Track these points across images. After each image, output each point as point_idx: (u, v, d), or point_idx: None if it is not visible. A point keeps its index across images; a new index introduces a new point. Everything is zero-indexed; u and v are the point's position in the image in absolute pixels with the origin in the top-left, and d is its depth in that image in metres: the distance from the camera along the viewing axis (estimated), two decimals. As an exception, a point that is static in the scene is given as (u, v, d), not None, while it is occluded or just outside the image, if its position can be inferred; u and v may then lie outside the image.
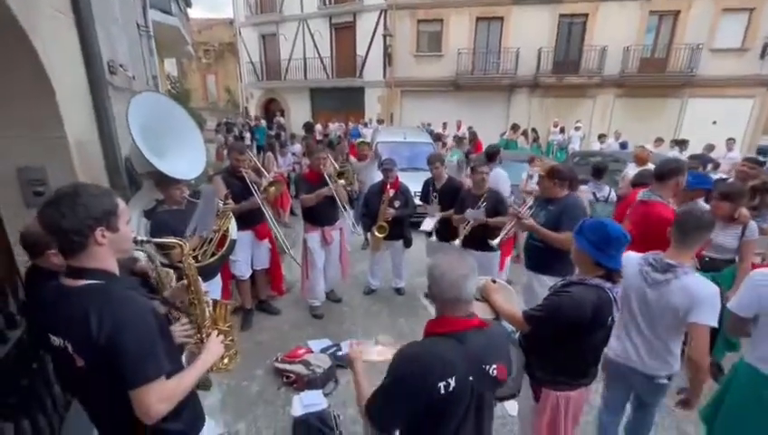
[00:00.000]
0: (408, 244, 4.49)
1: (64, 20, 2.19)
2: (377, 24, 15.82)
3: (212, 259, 2.74)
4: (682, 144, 9.23)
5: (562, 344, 1.79)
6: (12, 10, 1.65)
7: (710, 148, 8.34)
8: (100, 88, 2.42)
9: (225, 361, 1.68)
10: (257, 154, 8.36)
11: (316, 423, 2.57)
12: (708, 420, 2.10)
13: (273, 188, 3.64)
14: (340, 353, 3.36)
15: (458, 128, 13.18)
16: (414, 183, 4.83)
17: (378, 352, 1.76)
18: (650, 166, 4.61)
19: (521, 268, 3.97)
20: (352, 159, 6.10)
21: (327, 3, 16.84)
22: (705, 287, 1.82)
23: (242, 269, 3.74)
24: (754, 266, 3.05)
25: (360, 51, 16.52)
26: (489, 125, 13.78)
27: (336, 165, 4.20)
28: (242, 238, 3.55)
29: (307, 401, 2.77)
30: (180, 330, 1.59)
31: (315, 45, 17.35)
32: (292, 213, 7.26)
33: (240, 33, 20.04)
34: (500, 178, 4.73)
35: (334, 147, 7.81)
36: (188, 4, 13.57)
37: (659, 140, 9.82)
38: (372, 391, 1.38)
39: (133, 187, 2.91)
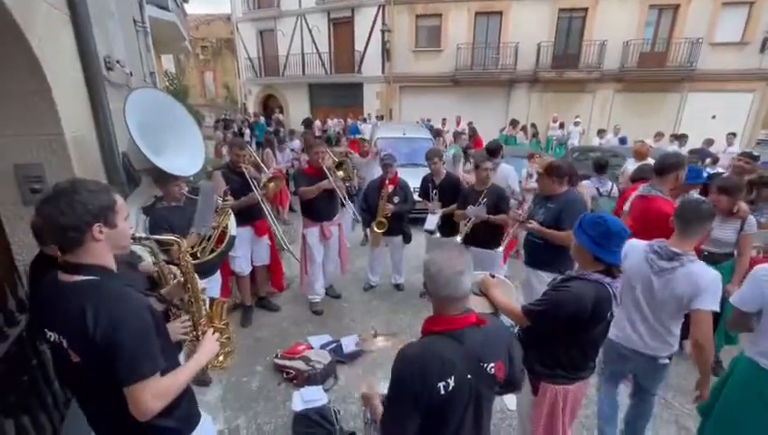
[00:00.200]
0: (407, 239, 4.49)
1: (60, 16, 2.17)
2: (375, 19, 15.73)
3: (211, 256, 2.74)
4: (681, 139, 9.21)
5: (561, 339, 1.79)
6: (6, 5, 1.64)
7: (709, 142, 8.33)
8: (97, 84, 2.40)
9: (221, 358, 1.68)
10: (256, 150, 8.34)
11: (316, 418, 2.58)
12: (705, 412, 2.12)
13: (273, 184, 3.64)
14: (344, 350, 3.37)
15: (458, 123, 13.14)
16: (413, 179, 4.83)
17: (374, 343, 1.77)
18: (650, 161, 4.62)
19: (520, 264, 3.97)
20: (354, 154, 6.08)
21: (325, -2, 16.77)
22: (707, 274, 1.91)
23: (242, 265, 3.74)
24: (753, 260, 3.07)
25: (359, 46, 16.43)
26: (488, 120, 13.76)
27: (334, 157, 4.20)
28: (241, 234, 3.56)
29: (307, 397, 2.79)
30: (180, 326, 1.59)
31: (313, 41, 17.25)
32: (291, 209, 7.26)
33: (238, 28, 19.92)
34: (509, 174, 4.74)
35: (332, 143, 7.79)
36: (185, 0, 13.47)
37: (659, 135, 9.80)
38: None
39: (132, 183, 2.90)
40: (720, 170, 5.32)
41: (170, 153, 2.77)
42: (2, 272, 2.02)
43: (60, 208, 1.09)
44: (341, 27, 16.88)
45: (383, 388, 1.45)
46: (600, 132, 11.32)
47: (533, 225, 2.93)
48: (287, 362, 3.17)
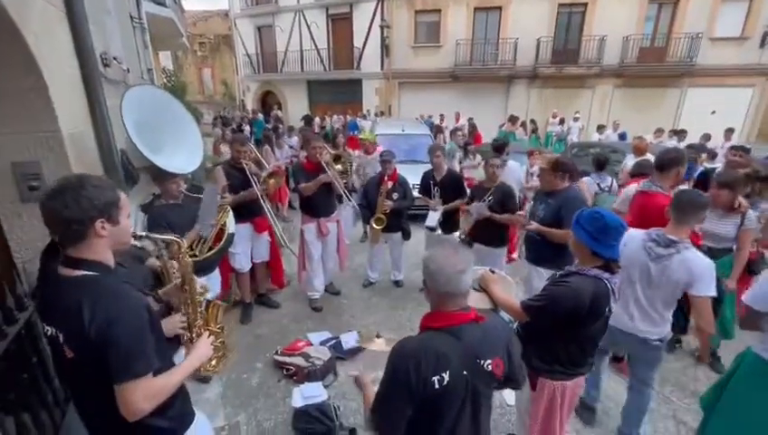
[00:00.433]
0: (406, 236, 4.49)
1: (56, 12, 2.15)
2: (374, 14, 15.66)
3: (210, 253, 2.74)
4: (680, 134, 9.21)
5: (560, 334, 1.80)
6: (1, 1, 1.62)
7: (706, 137, 8.33)
8: (94, 81, 2.38)
9: (213, 362, 1.67)
10: (255, 147, 8.31)
11: (316, 414, 2.59)
12: (708, 406, 2.12)
13: (273, 180, 3.64)
14: (344, 347, 3.38)
15: (457, 120, 13.12)
16: (412, 175, 4.82)
17: (376, 344, 1.77)
18: (649, 156, 4.61)
19: (520, 261, 3.98)
20: (359, 152, 6.07)
21: (323, -7, 16.67)
22: (701, 262, 2.03)
23: (241, 262, 3.75)
24: (751, 255, 3.07)
25: (358, 42, 16.37)
26: (488, 116, 13.74)
27: (332, 152, 4.19)
28: (241, 231, 3.56)
29: (307, 393, 2.79)
30: (179, 321, 1.59)
31: (312, 37, 17.18)
32: (290, 206, 7.25)
33: (236, 24, 19.81)
34: (516, 171, 4.73)
35: (330, 140, 7.77)
36: (183, -4, 13.37)
37: (659, 131, 9.79)
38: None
39: (130, 181, 2.90)
40: (717, 165, 5.32)
41: (168, 151, 2.76)
42: (0, 270, 2.02)
43: (65, 202, 1.09)
44: (340, 23, 16.80)
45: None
46: (600, 128, 11.31)
47: (532, 226, 2.94)
48: (287, 359, 3.18)
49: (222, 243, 2.86)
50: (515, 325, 2.00)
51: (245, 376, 3.15)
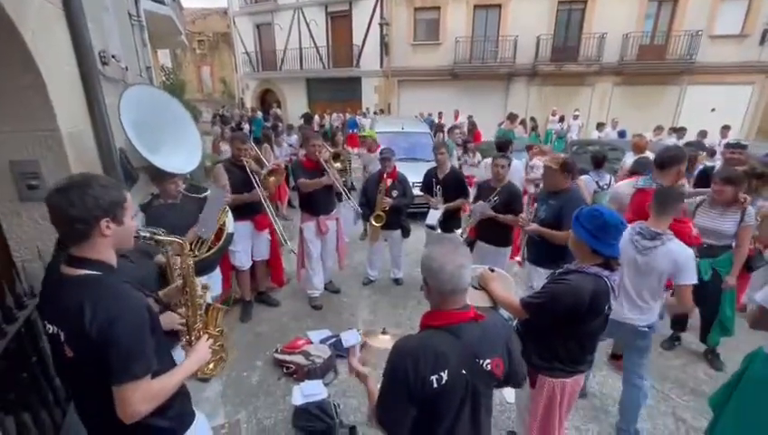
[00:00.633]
0: (405, 234, 4.49)
1: (53, 10, 2.14)
2: (373, 12, 15.61)
3: (209, 253, 2.74)
4: (679, 132, 9.21)
5: (560, 332, 1.80)
6: (-2, -1, 1.62)
7: (703, 134, 8.34)
8: (93, 79, 2.37)
9: (211, 366, 1.66)
10: (254, 145, 8.31)
11: (316, 412, 2.59)
12: (717, 406, 2.12)
13: (273, 178, 3.64)
14: (344, 345, 3.38)
15: (456, 118, 13.10)
16: (412, 173, 4.81)
17: (380, 341, 1.77)
18: (648, 154, 4.61)
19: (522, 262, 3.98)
20: (360, 150, 6.08)
21: (322, -9, 16.61)
22: (684, 252, 2.17)
23: (242, 260, 3.75)
24: (751, 251, 3.08)
25: (357, 40, 16.33)
26: (487, 114, 13.73)
27: (330, 150, 4.18)
28: (242, 229, 3.57)
29: (307, 391, 2.79)
30: (177, 317, 1.59)
31: (311, 35, 17.14)
32: (289, 205, 7.24)
33: (234, 22, 19.75)
34: (516, 171, 4.72)
35: (329, 138, 7.76)
36: (181, -6, 13.33)
37: (659, 129, 9.78)
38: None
39: (129, 181, 2.89)
40: (716, 163, 5.32)
41: (167, 151, 2.75)
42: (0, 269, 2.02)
43: (70, 200, 1.09)
44: (339, 21, 16.76)
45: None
46: (600, 126, 11.31)
47: (532, 226, 2.94)
48: (287, 357, 3.19)
49: (221, 242, 2.85)
50: (515, 323, 2.00)
51: (246, 374, 3.16)
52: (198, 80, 25.14)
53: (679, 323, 3.50)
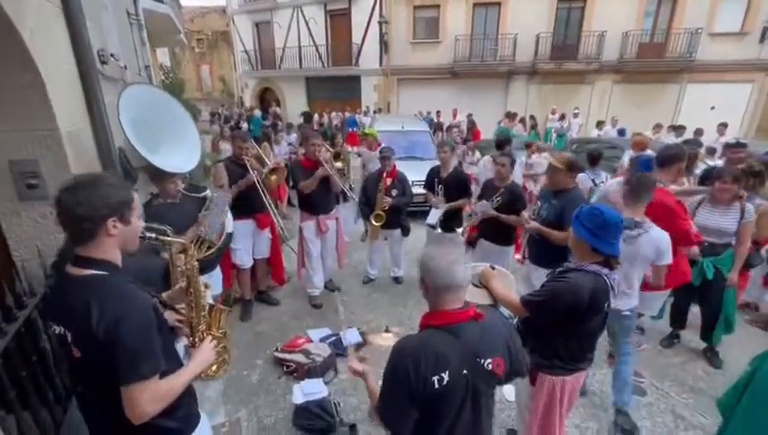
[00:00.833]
0: (405, 232, 4.49)
1: (51, 8, 2.13)
2: (372, 10, 15.56)
3: (208, 252, 2.74)
4: (678, 130, 9.21)
5: (560, 329, 1.81)
6: (-4, -3, 1.61)
7: (699, 132, 8.34)
8: (91, 78, 2.36)
9: (214, 368, 1.66)
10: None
11: (316, 411, 2.60)
12: (727, 408, 2.11)
13: (275, 176, 3.64)
14: (344, 344, 3.40)
15: (454, 116, 13.10)
16: (412, 172, 4.81)
17: (383, 338, 1.77)
18: (648, 152, 4.61)
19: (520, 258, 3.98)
20: (362, 149, 6.08)
21: (321, -11, 16.56)
22: (664, 238, 2.34)
23: (243, 258, 3.75)
24: (749, 250, 3.09)
25: (356, 38, 16.28)
26: (487, 113, 13.71)
27: (330, 150, 4.18)
28: (243, 227, 3.59)
29: (308, 390, 2.80)
30: (176, 316, 1.59)
31: (310, 33, 17.09)
32: (289, 203, 7.24)
33: (233, 21, 19.69)
34: (518, 167, 4.71)
35: (329, 138, 7.76)
36: (180, -8, 13.28)
37: (658, 127, 9.79)
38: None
39: (129, 180, 2.89)
40: (717, 162, 5.33)
41: (166, 150, 2.75)
42: (-1, 268, 2.02)
43: (78, 199, 1.09)
44: (338, 19, 16.70)
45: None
46: (599, 124, 11.31)
47: (532, 225, 2.92)
48: (287, 356, 3.19)
49: (221, 242, 2.86)
50: (515, 321, 2.00)
51: (246, 373, 3.16)
52: (197, 78, 25.10)
53: (678, 320, 3.51)
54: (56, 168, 2.08)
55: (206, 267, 2.80)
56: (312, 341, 3.40)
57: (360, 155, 6.93)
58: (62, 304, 1.15)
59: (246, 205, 3.51)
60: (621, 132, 10.06)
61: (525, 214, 3.12)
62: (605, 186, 3.47)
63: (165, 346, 1.22)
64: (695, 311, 3.45)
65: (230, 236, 3.04)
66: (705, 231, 3.00)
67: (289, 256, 4.64)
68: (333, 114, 14.65)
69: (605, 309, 1.74)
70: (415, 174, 5.17)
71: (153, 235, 1.41)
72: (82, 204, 1.09)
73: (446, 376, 1.23)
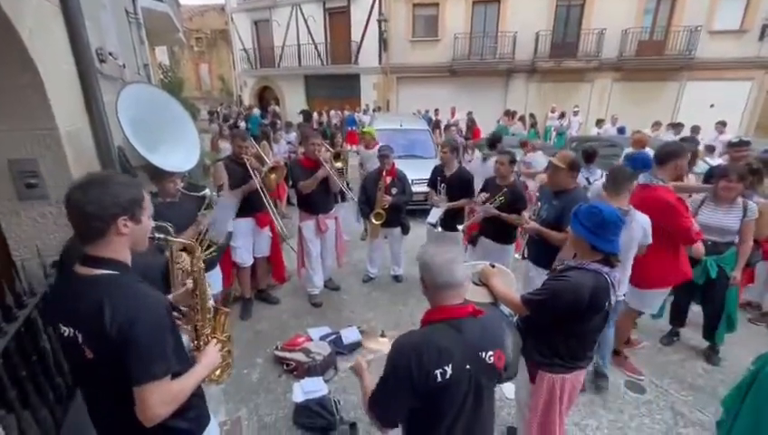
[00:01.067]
0: (405, 231, 4.48)
1: (50, 7, 2.12)
2: (371, 8, 15.53)
3: (209, 251, 2.74)
4: (677, 127, 9.23)
5: (560, 328, 1.81)
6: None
7: (696, 130, 8.34)
8: (90, 77, 2.36)
9: (218, 372, 1.65)
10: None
11: (317, 409, 2.61)
12: (731, 407, 2.11)
13: (274, 175, 3.64)
14: (344, 342, 3.40)
15: (452, 115, 13.08)
16: (410, 170, 4.80)
17: (378, 343, 1.77)
18: (648, 151, 4.60)
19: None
20: (357, 147, 6.07)
21: (320, -13, 16.51)
22: (647, 220, 2.53)
23: (243, 257, 3.75)
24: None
25: (355, 37, 16.25)
26: (486, 111, 13.70)
27: (331, 150, 4.18)
28: (243, 226, 3.59)
29: (308, 388, 2.81)
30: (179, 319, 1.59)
31: (309, 31, 17.05)
32: (288, 202, 7.24)
33: (232, 19, 19.64)
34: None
35: (328, 138, 7.74)
36: (178, -10, 13.24)
37: (657, 124, 9.80)
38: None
39: (128, 179, 2.89)
40: (718, 161, 5.33)
41: (165, 149, 2.74)
42: (-1, 268, 2.02)
43: (88, 197, 1.08)
44: (337, 17, 16.67)
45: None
46: (599, 122, 11.30)
47: (531, 225, 2.90)
48: (287, 354, 3.19)
49: (220, 241, 2.85)
50: (515, 319, 2.00)
51: (246, 371, 3.17)
52: (196, 77, 25.05)
53: (678, 319, 3.52)
54: (55, 167, 2.08)
55: (206, 266, 2.80)
56: (312, 339, 3.40)
57: (358, 153, 6.93)
58: (72, 305, 1.13)
59: (246, 204, 3.52)
60: (621, 130, 10.06)
61: (526, 214, 3.12)
62: (598, 183, 3.47)
63: (175, 347, 1.21)
64: (694, 309, 3.46)
65: (230, 234, 3.04)
66: (708, 230, 2.99)
67: (289, 255, 4.64)
68: (332, 113, 14.64)
69: (606, 308, 1.74)
70: (414, 172, 5.17)
71: (162, 235, 1.40)
72: (93, 202, 1.08)
73: (449, 369, 1.24)
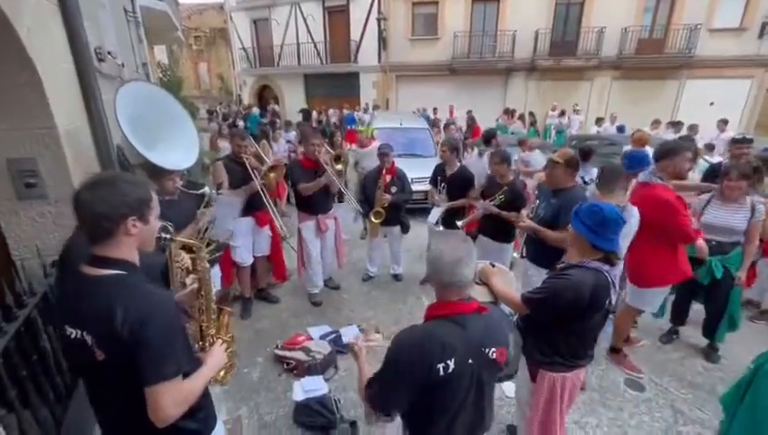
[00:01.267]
0: (405, 230, 4.48)
1: (48, 6, 2.12)
2: (371, 7, 15.49)
3: (209, 249, 2.73)
4: (676, 126, 9.22)
5: (560, 326, 1.81)
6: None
7: (693, 128, 8.31)
8: (89, 76, 2.35)
9: (222, 373, 1.65)
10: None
11: (317, 408, 2.61)
12: (730, 405, 2.11)
13: (274, 174, 3.63)
14: (343, 341, 3.40)
15: (451, 113, 13.06)
16: (410, 169, 4.79)
17: (375, 339, 1.77)
18: (648, 149, 4.59)
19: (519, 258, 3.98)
20: (354, 146, 6.05)
21: (319, -15, 16.47)
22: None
23: (243, 256, 3.75)
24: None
25: (355, 35, 16.22)
26: (486, 109, 13.68)
27: (331, 151, 4.17)
28: (243, 225, 3.59)
29: (308, 387, 2.81)
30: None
31: (308, 30, 17.01)
32: (288, 201, 7.23)
33: (231, 18, 19.58)
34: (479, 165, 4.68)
35: (327, 137, 7.73)
36: (177, -11, 13.19)
37: (656, 122, 9.79)
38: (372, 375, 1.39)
39: (127, 177, 2.88)
40: (719, 159, 5.32)
41: (164, 147, 2.74)
42: (-1, 267, 2.01)
43: (97, 196, 1.07)
44: (336, 16, 16.63)
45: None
46: (599, 121, 11.29)
47: (526, 223, 2.89)
48: (287, 353, 3.20)
49: (221, 240, 2.85)
50: (515, 318, 2.01)
51: (246, 370, 3.17)
52: (196, 76, 24.99)
53: (679, 317, 3.52)
54: (54, 166, 2.07)
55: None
56: (312, 338, 3.40)
57: (355, 152, 6.92)
58: (80, 306, 1.12)
59: (246, 203, 3.52)
60: (621, 129, 10.06)
61: (524, 212, 3.11)
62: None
63: (184, 346, 1.21)
64: (694, 307, 3.46)
65: (231, 233, 3.04)
66: (713, 230, 2.98)
67: (289, 254, 4.64)
68: (332, 111, 14.61)
69: (606, 306, 1.74)
70: (414, 171, 5.16)
71: (168, 235, 1.39)
72: (102, 202, 1.07)
73: (451, 364, 1.24)
